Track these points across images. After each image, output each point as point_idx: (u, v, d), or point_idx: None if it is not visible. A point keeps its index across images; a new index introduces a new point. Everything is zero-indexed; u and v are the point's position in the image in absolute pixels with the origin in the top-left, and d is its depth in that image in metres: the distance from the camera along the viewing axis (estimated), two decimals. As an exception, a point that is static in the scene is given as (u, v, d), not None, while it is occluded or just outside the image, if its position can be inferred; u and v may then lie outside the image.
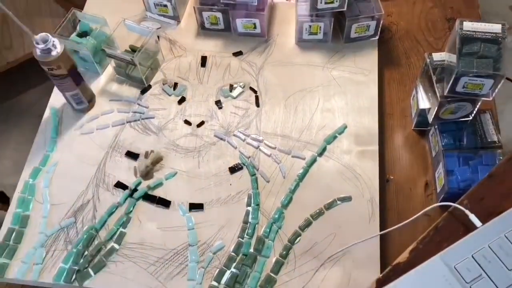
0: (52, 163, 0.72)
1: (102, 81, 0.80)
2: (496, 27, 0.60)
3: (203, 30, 0.85)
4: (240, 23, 0.81)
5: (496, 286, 0.49)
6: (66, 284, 0.62)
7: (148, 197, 0.68)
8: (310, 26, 0.79)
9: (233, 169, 0.70)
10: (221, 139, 0.73)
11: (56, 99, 0.79)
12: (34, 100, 1.45)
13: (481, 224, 0.53)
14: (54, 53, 0.67)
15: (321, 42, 0.81)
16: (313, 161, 0.70)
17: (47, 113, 0.77)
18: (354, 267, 0.61)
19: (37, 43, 0.66)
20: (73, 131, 0.75)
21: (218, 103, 0.76)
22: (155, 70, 0.80)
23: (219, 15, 0.81)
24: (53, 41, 0.67)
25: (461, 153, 0.66)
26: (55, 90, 0.79)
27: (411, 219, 0.59)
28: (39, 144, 0.74)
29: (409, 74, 0.81)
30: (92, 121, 0.76)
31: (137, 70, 0.76)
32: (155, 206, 0.67)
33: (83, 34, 0.78)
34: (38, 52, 0.67)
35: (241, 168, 0.70)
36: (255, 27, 0.81)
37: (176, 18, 0.86)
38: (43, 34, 0.66)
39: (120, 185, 0.69)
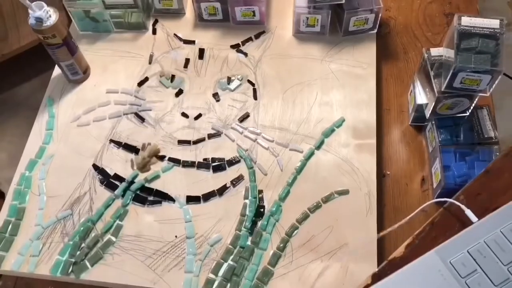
0: (49, 155, 0.72)
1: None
2: (494, 23, 0.60)
3: (201, 21, 0.84)
4: (239, 11, 0.80)
5: (491, 281, 0.49)
6: (63, 276, 0.62)
7: (145, 190, 0.68)
8: (307, 18, 0.79)
9: (231, 162, 0.70)
10: (219, 131, 0.73)
11: (53, 91, 0.78)
12: (29, 92, 1.43)
13: (477, 219, 0.54)
14: (48, 22, 0.67)
15: (319, 34, 0.81)
16: (311, 154, 0.70)
17: (43, 105, 0.77)
18: (351, 260, 0.61)
19: (32, 11, 0.66)
20: (69, 123, 0.75)
21: (215, 95, 0.76)
22: (150, 13, 0.83)
23: (217, 5, 0.80)
24: (48, 10, 0.68)
25: (457, 148, 0.67)
26: (51, 82, 0.79)
27: (408, 217, 0.59)
28: (35, 136, 0.74)
29: (407, 69, 0.81)
30: (89, 113, 0.75)
31: (136, 14, 0.78)
32: (152, 198, 0.67)
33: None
34: (32, 20, 0.67)
35: (239, 161, 0.70)
36: (254, 15, 0.81)
37: (181, 11, 0.85)
38: (39, 2, 0.66)
39: (117, 177, 0.69)
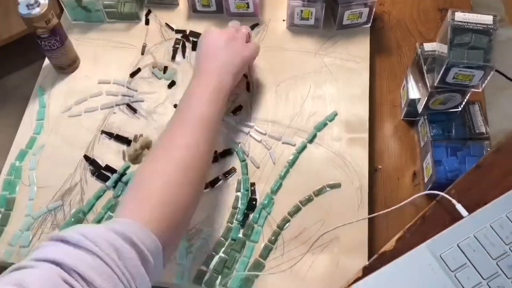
0: (39, 146, 0.71)
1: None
2: (487, 19, 0.60)
3: (195, 12, 0.83)
4: (233, 3, 0.80)
5: (480, 275, 0.50)
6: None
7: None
8: (301, 11, 0.78)
9: (223, 155, 0.70)
10: (211, 124, 0.72)
11: (44, 81, 0.77)
12: (20, 82, 1.41)
13: (467, 214, 0.54)
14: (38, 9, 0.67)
15: (313, 28, 0.81)
16: (303, 147, 0.70)
17: (34, 94, 0.76)
18: (342, 253, 0.62)
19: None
20: (61, 113, 0.74)
21: (208, 87, 0.76)
22: (143, 3, 0.84)
23: (211, -4, 0.80)
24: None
25: (449, 143, 0.67)
26: (43, 72, 0.78)
27: (399, 205, 0.60)
28: (26, 126, 0.73)
29: (400, 64, 0.81)
30: (81, 104, 0.75)
31: (129, 5, 0.79)
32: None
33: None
34: (25, 10, 0.67)
35: (231, 154, 0.70)
36: (248, 7, 0.80)
37: (174, 1, 0.84)
38: None
39: (108, 168, 0.69)
